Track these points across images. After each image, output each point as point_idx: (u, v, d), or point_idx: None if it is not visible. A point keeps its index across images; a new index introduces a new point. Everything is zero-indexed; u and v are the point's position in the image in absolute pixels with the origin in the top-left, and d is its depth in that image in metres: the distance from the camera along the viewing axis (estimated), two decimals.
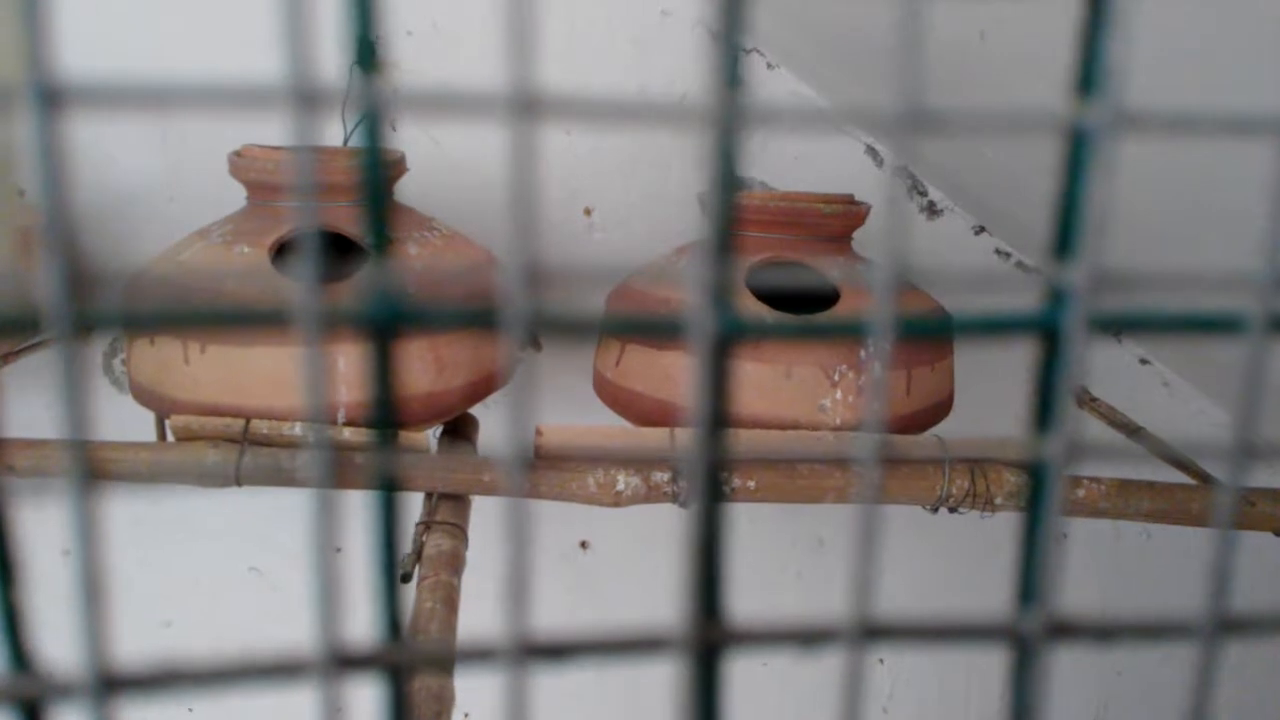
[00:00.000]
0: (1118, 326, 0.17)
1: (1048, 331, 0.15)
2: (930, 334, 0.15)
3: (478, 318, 0.14)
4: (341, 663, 0.14)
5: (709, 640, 0.15)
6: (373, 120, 0.14)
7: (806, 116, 0.17)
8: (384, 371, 0.14)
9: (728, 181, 0.14)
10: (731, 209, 0.14)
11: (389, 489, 0.15)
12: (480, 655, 0.15)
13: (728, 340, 0.14)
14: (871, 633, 0.15)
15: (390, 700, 0.15)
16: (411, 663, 0.15)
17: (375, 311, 0.14)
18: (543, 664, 0.15)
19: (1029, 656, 0.16)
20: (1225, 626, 0.16)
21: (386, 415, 0.15)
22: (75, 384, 0.13)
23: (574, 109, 0.14)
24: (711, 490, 0.15)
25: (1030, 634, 0.16)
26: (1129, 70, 0.14)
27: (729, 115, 0.14)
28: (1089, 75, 0.14)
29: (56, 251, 0.12)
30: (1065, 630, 0.16)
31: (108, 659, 0.14)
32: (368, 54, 0.15)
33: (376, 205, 0.15)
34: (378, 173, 0.14)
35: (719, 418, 0.15)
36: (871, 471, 0.15)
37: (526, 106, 0.13)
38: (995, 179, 0.99)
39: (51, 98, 0.12)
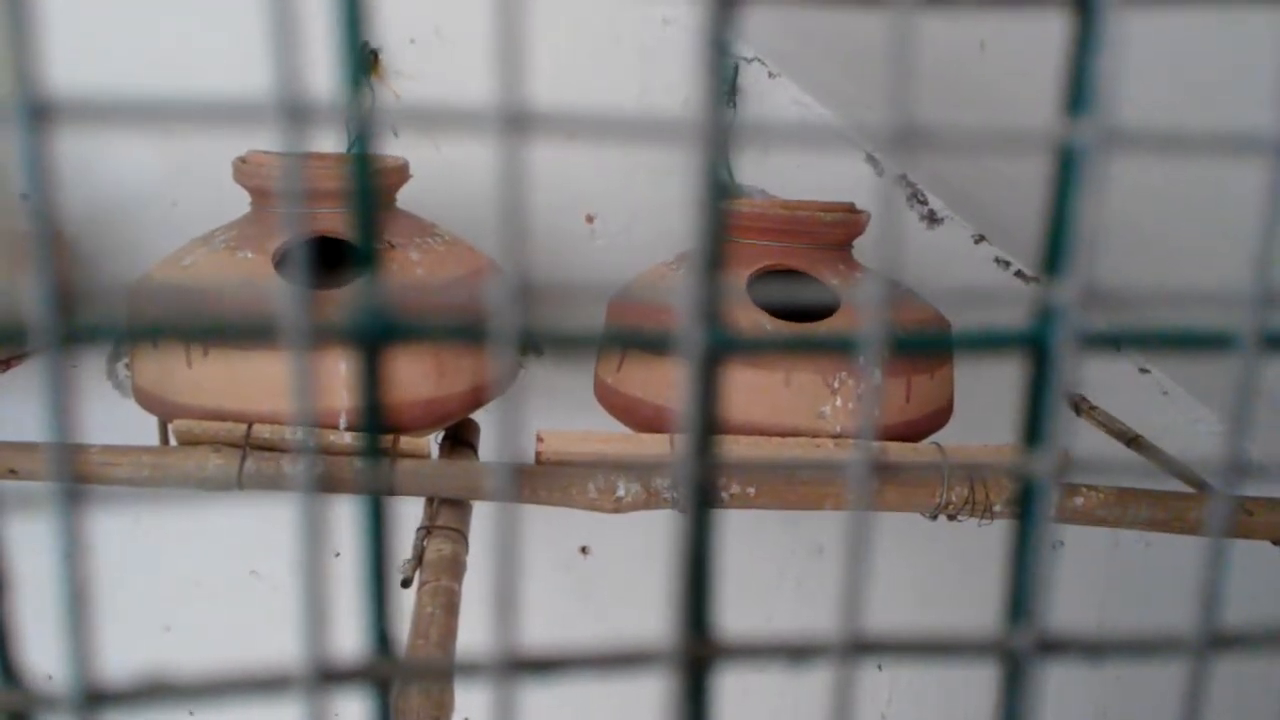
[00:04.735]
0: (1110, 342, 0.17)
1: (1037, 347, 0.15)
2: (920, 350, 0.15)
3: (467, 332, 0.14)
4: (328, 677, 0.14)
5: (698, 655, 0.15)
6: (363, 136, 0.14)
7: (801, 132, 0.17)
8: (373, 386, 0.14)
9: (716, 197, 0.14)
10: (721, 224, 0.14)
11: (378, 503, 0.15)
12: (469, 669, 0.15)
13: (717, 355, 0.14)
14: (861, 648, 0.15)
15: (378, 713, 0.15)
16: (398, 676, 0.15)
17: (364, 326, 0.14)
18: (531, 677, 0.15)
19: (1019, 673, 0.16)
20: (1216, 643, 0.15)
21: (376, 430, 0.15)
22: (60, 396, 0.13)
23: (563, 124, 0.14)
24: (701, 506, 0.15)
25: (1020, 650, 0.16)
26: (1121, 87, 0.14)
27: (716, 131, 0.14)
28: (1079, 93, 0.14)
29: (45, 265, 0.12)
30: (1055, 647, 0.16)
31: (93, 672, 0.14)
32: (357, 64, 0.15)
33: (366, 221, 0.15)
34: (367, 186, 0.14)
35: (708, 433, 0.15)
36: (864, 488, 0.15)
37: (515, 122, 0.13)
38: (996, 188, 0.99)
39: (40, 113, 0.12)
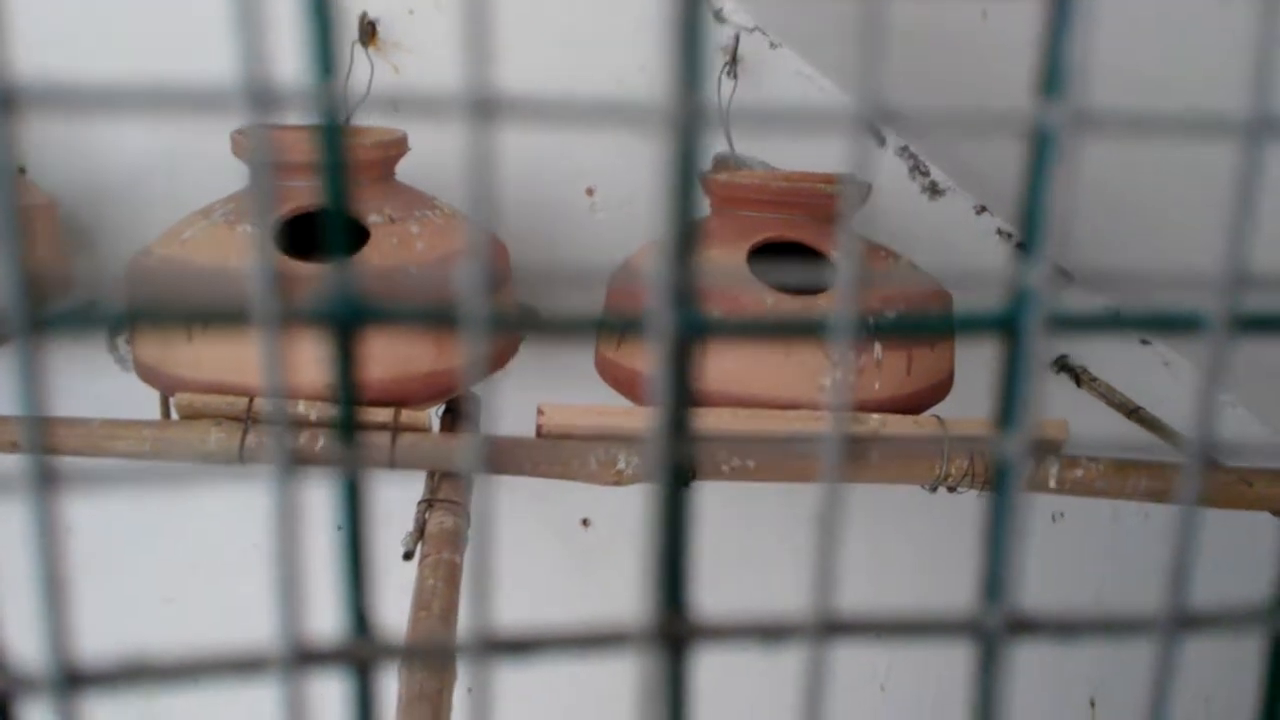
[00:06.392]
0: (1092, 323, 0.17)
1: (1010, 329, 0.15)
2: (898, 332, 0.15)
3: (441, 317, 0.14)
4: (305, 658, 0.15)
5: (672, 635, 0.16)
6: (332, 118, 0.14)
7: (801, 110, 0.17)
8: (346, 370, 0.14)
9: (687, 181, 0.14)
10: (693, 210, 0.14)
11: (353, 485, 0.15)
12: (447, 651, 0.15)
13: (689, 340, 0.14)
14: (833, 628, 0.15)
15: (358, 696, 0.16)
16: (376, 656, 0.15)
17: (336, 311, 0.14)
18: (507, 658, 0.15)
19: (992, 652, 0.16)
20: (1185, 623, 0.16)
21: (350, 411, 0.15)
22: (34, 382, 0.13)
23: (533, 111, 0.14)
24: (674, 488, 0.15)
25: (993, 630, 0.16)
26: (1091, 69, 0.14)
27: (688, 116, 0.14)
28: (1051, 75, 0.14)
29: (10, 251, 0.12)
30: (1027, 626, 0.16)
31: (71, 654, 0.14)
32: (329, 40, 0.15)
33: (337, 200, 0.15)
34: (338, 162, 0.14)
35: (682, 416, 0.15)
36: (833, 470, 0.15)
37: (484, 110, 0.13)
38: (997, 159, 0.99)
39: (7, 101, 0.12)
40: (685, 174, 0.14)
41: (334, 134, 0.14)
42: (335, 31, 0.15)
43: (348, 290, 0.14)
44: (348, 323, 0.14)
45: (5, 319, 0.13)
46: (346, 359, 0.15)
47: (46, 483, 0.13)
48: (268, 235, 0.14)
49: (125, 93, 0.13)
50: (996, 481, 0.16)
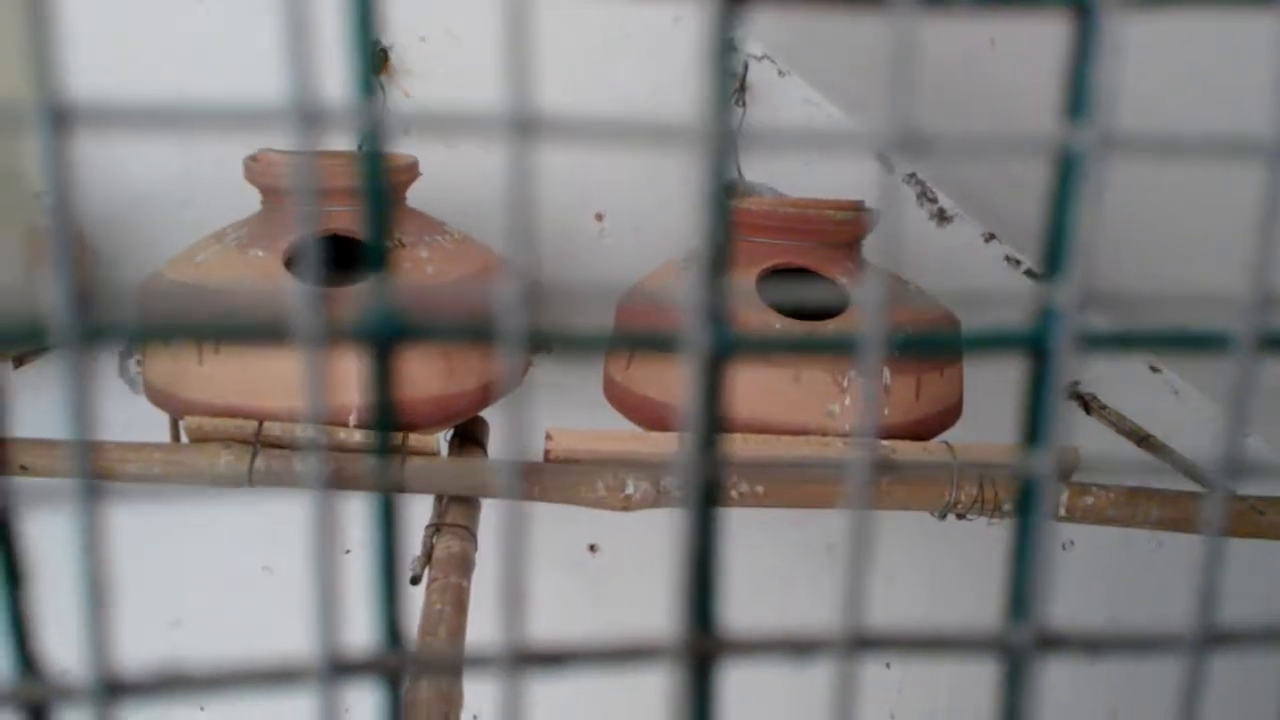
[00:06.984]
0: (1113, 342, 0.17)
1: (1037, 348, 0.16)
2: (921, 351, 0.16)
3: (477, 332, 0.14)
4: (340, 669, 0.15)
5: (702, 650, 0.16)
6: (374, 134, 0.15)
7: (810, 135, 0.17)
8: (384, 385, 0.15)
9: (721, 200, 0.14)
10: (726, 228, 0.14)
11: (389, 500, 0.15)
12: (478, 663, 0.15)
13: (722, 356, 0.15)
14: (862, 644, 0.16)
15: (389, 706, 0.16)
16: (409, 669, 0.15)
17: (375, 326, 0.14)
18: (538, 671, 0.15)
19: (1019, 669, 0.16)
20: (1213, 640, 0.16)
21: (387, 428, 0.15)
22: (81, 395, 0.13)
23: (571, 130, 0.14)
24: (705, 504, 0.15)
25: (1020, 646, 0.16)
26: (1118, 92, 0.14)
27: (721, 135, 0.14)
28: (1078, 97, 0.15)
29: (64, 267, 0.13)
30: (1054, 642, 0.16)
31: (112, 663, 0.14)
32: (369, 63, 0.16)
33: (377, 220, 0.15)
34: (379, 186, 0.15)
35: (713, 433, 0.15)
36: (864, 487, 0.15)
37: (524, 128, 0.13)
38: (1005, 185, 0.99)
39: (60, 119, 0.12)
40: (721, 193, 0.14)
41: (375, 160, 0.15)
42: (372, 59, 0.15)
43: (387, 311, 0.14)
44: (386, 343, 0.15)
45: (54, 336, 0.13)
46: (385, 379, 0.15)
47: (94, 497, 0.13)
48: (308, 260, 0.14)
49: (176, 112, 0.13)
50: (1022, 499, 0.16)
